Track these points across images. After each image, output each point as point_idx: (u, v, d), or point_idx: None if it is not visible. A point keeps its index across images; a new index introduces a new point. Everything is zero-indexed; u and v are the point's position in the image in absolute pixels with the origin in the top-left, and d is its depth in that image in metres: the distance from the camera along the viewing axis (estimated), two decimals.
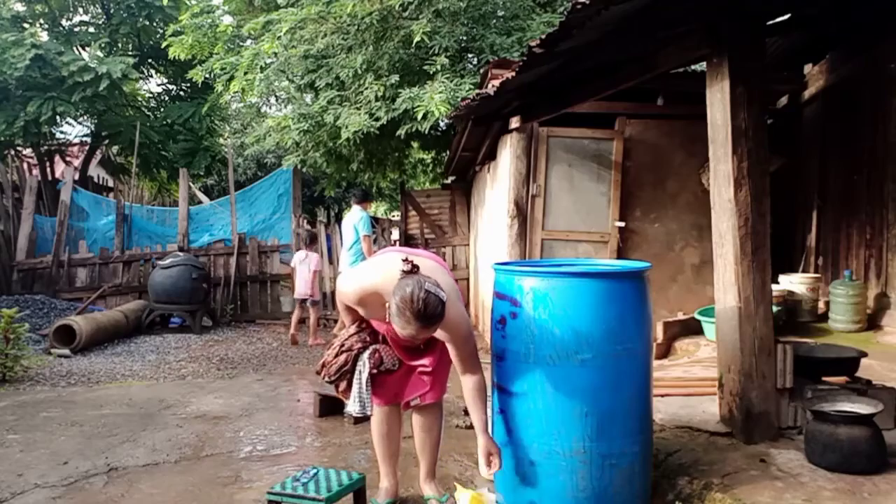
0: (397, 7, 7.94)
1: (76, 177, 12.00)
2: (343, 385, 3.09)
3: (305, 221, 11.30)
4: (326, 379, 3.09)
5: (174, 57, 11.13)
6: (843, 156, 6.19)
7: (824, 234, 6.50)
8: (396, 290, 2.59)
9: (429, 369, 3.08)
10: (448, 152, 10.22)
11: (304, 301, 8.59)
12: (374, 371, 3.03)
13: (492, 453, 2.80)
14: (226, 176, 12.86)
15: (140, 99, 15.52)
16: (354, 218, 8.19)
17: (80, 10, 13.85)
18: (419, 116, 7.38)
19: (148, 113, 14.85)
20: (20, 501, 3.46)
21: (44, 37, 12.60)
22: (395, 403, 3.16)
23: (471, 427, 4.06)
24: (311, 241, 8.91)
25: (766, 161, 3.46)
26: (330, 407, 4.82)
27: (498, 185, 7.26)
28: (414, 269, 2.68)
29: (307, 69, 8.95)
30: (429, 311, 2.55)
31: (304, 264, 8.55)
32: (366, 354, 3.02)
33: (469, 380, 2.88)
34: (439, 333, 2.81)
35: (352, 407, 3.04)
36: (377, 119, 7.93)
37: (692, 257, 6.51)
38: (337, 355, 3.04)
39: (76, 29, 13.72)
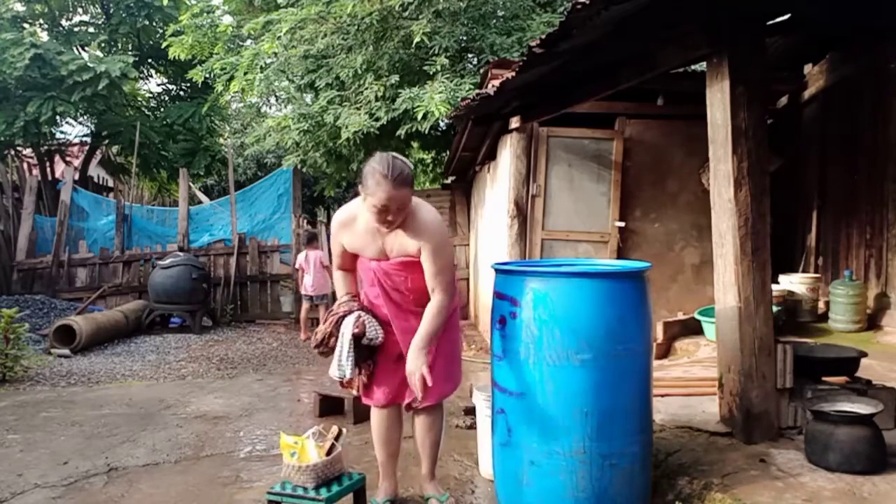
0: (397, 7, 7.93)
1: (76, 177, 12.01)
2: (330, 352, 3.06)
3: (305, 221, 11.29)
4: (314, 346, 3.08)
5: (174, 57, 11.14)
6: (843, 156, 6.19)
7: (824, 234, 6.50)
8: (367, 162, 2.87)
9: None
10: (448, 152, 10.22)
11: (313, 298, 8.79)
12: (357, 332, 2.96)
13: (412, 373, 2.78)
14: (226, 176, 12.87)
15: (140, 99, 15.53)
16: None
17: (80, 9, 13.88)
18: (419, 116, 7.38)
19: (148, 113, 14.86)
20: (20, 501, 3.47)
21: (43, 37, 12.60)
22: (395, 404, 3.16)
23: (471, 427, 4.10)
24: (310, 241, 8.95)
25: (766, 161, 3.45)
26: (330, 407, 4.82)
27: (498, 185, 7.25)
28: None
29: (307, 69, 8.96)
30: (396, 169, 2.78)
31: (309, 263, 8.72)
32: (350, 318, 3.00)
33: (435, 297, 2.89)
34: (414, 244, 2.87)
35: (332, 370, 3.02)
36: (377, 119, 7.93)
37: (692, 257, 6.51)
38: (324, 321, 3.07)
39: (76, 29, 13.74)
